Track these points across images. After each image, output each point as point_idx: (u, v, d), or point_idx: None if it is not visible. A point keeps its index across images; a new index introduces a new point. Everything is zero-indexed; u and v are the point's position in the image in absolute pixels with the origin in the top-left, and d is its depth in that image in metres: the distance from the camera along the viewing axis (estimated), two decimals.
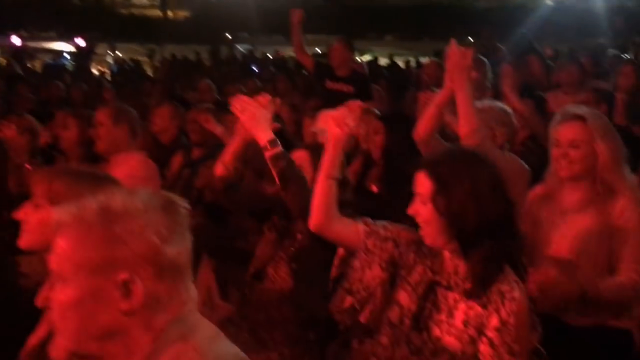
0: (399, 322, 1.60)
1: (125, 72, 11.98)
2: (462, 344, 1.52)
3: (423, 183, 1.56)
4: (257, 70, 11.21)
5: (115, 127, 2.97)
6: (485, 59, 5.37)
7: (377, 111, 3.79)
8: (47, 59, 13.46)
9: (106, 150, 3.01)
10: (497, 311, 1.49)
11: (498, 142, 2.67)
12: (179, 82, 8.67)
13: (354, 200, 2.10)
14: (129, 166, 2.88)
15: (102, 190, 1.45)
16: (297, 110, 5.54)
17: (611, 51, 6.95)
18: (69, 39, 13.56)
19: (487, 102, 2.73)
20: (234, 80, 9.31)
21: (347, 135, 1.73)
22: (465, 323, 1.52)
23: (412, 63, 12.52)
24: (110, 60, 15.05)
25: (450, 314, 1.55)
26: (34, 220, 1.52)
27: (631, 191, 2.06)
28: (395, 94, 7.04)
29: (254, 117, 1.89)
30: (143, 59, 15.06)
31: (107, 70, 13.69)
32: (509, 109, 2.71)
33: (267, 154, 1.88)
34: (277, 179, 1.87)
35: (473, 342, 1.51)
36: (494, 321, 1.49)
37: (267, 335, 1.96)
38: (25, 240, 1.53)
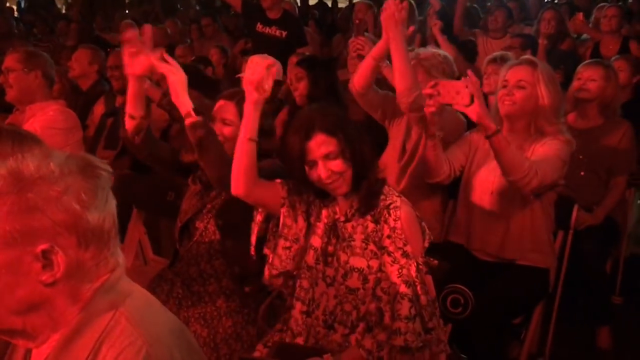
0: (315, 262, 1.74)
1: (35, 7, 11.02)
2: (366, 259, 1.68)
3: (328, 143, 1.66)
4: (180, 8, 10.64)
5: (26, 73, 2.74)
6: (411, 1, 5.38)
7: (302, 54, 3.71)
8: None
9: (18, 99, 2.79)
10: (386, 222, 1.67)
11: None
12: (97, 20, 8.10)
13: (280, 149, 2.07)
14: (46, 117, 2.69)
15: (25, 150, 1.37)
16: (226, 53, 5.38)
17: None
18: None
19: (429, 50, 2.66)
20: (156, 19, 8.84)
21: (265, 98, 1.73)
22: (365, 240, 1.70)
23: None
24: None
25: (351, 238, 1.71)
26: None
27: (559, 135, 2.18)
28: (324, 37, 6.95)
29: (180, 82, 1.82)
30: None
31: (13, 6, 12.54)
32: (450, 57, 2.67)
33: (187, 121, 1.83)
34: (195, 147, 1.83)
35: (375, 255, 1.68)
36: (385, 231, 1.67)
37: (201, 288, 1.95)
38: None
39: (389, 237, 1.66)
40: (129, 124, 1.94)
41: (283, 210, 1.76)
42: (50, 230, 0.92)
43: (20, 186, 0.92)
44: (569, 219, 2.44)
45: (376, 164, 1.77)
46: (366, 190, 1.69)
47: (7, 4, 11.83)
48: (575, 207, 2.42)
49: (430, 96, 2.03)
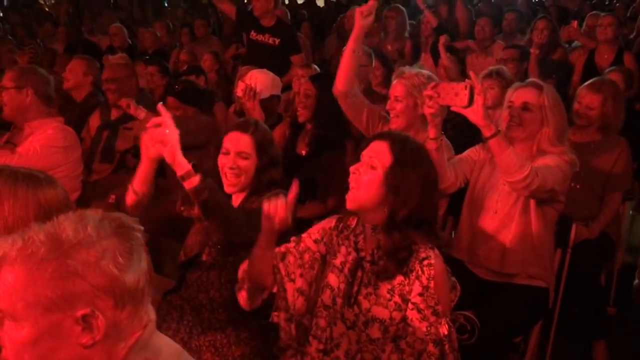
0: (332, 302, 1.69)
1: (18, 7, 10.82)
2: (389, 311, 1.62)
3: (383, 153, 1.63)
4: (168, 8, 10.55)
5: (18, 91, 2.71)
6: (402, 7, 5.40)
7: (311, 69, 3.71)
8: None
9: (12, 116, 2.77)
10: (418, 278, 1.59)
11: (419, 112, 2.52)
12: (85, 22, 7.98)
13: (283, 164, 2.10)
14: (46, 135, 2.68)
15: (40, 191, 1.37)
16: (219, 59, 5.35)
17: None
18: None
19: (415, 70, 2.63)
20: (145, 22, 8.75)
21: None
22: (390, 292, 1.62)
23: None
24: None
25: (376, 286, 1.64)
26: None
27: (562, 155, 2.21)
28: (316, 40, 6.94)
29: (167, 141, 1.68)
30: None
31: None
32: (434, 76, 2.63)
33: (187, 185, 1.71)
34: (199, 209, 1.78)
35: (399, 308, 1.61)
36: (417, 288, 1.59)
37: (211, 315, 1.96)
38: None
39: (420, 294, 1.59)
40: (131, 198, 1.86)
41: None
42: (89, 294, 0.93)
43: (60, 252, 0.93)
44: (566, 237, 2.50)
45: (424, 215, 1.64)
46: (394, 243, 1.60)
47: None
48: (574, 226, 2.48)
49: (430, 97, 2.05)
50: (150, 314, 1.05)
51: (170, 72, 4.78)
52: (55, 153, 2.68)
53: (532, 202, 2.23)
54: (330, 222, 1.78)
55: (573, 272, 2.54)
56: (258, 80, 3.20)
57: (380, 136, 1.70)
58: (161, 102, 1.83)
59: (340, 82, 2.47)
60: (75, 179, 2.82)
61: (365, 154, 1.67)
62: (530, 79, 2.47)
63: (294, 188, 1.66)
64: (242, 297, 1.80)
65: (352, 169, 1.67)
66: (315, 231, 1.78)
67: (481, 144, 2.39)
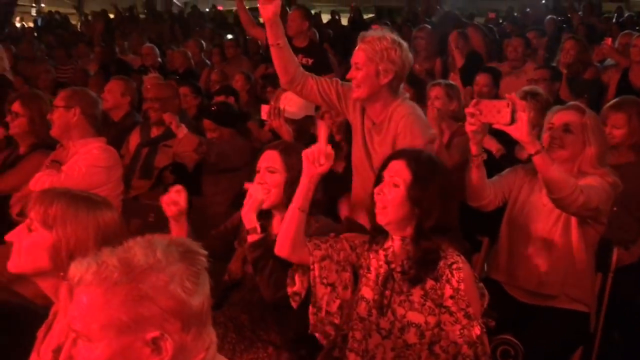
0: (367, 314, 1.77)
1: (52, 27, 11.19)
2: (424, 315, 1.72)
3: (402, 171, 1.76)
4: (197, 27, 10.77)
5: (67, 111, 2.81)
6: (430, 28, 5.42)
7: None
8: None
9: (59, 135, 2.87)
10: (448, 282, 1.70)
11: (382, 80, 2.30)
12: (118, 43, 8.20)
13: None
14: (90, 155, 2.76)
15: (99, 214, 1.43)
16: (250, 79, 5.44)
17: (551, 17, 7.15)
18: None
19: (377, 32, 2.34)
20: (175, 41, 8.95)
21: (321, 173, 1.80)
22: (423, 296, 1.73)
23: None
24: (34, 12, 13.96)
25: (409, 293, 1.74)
26: (25, 244, 1.45)
27: (605, 177, 2.21)
28: (340, 57, 7.02)
29: (257, 202, 1.93)
30: (69, 11, 14.09)
31: (31, 24, 12.73)
32: (401, 43, 2.33)
33: (250, 237, 1.93)
34: (250, 263, 1.95)
35: (433, 312, 1.71)
36: (448, 291, 1.70)
37: (253, 335, 1.99)
38: (14, 264, 1.47)
39: (452, 297, 1.69)
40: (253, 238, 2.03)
41: (324, 264, 1.81)
42: (159, 317, 0.97)
43: (132, 276, 0.97)
44: (607, 260, 2.47)
45: (445, 226, 1.77)
46: (424, 250, 1.73)
47: (25, 24, 12.04)
48: (615, 249, 2.45)
49: (472, 115, 2.06)
50: (212, 335, 1.08)
51: (202, 92, 4.90)
52: (98, 173, 2.76)
53: (573, 223, 2.22)
54: (364, 237, 1.89)
55: (615, 296, 2.51)
56: (291, 101, 3.26)
57: (396, 155, 1.84)
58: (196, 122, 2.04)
59: (281, 75, 2.46)
60: (116, 197, 2.89)
61: (386, 174, 1.80)
62: (572, 102, 2.47)
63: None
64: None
65: (376, 190, 1.79)
66: (351, 238, 1.89)
67: (521, 164, 2.39)
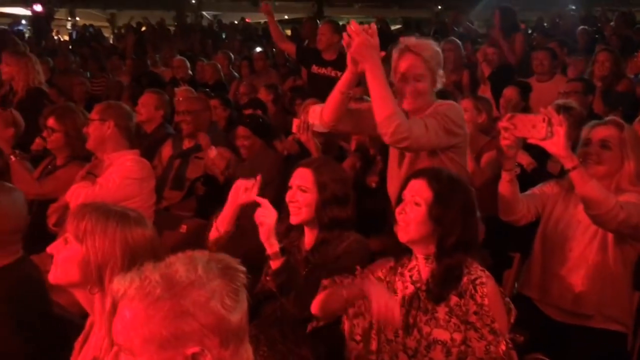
0: (394, 335, 1.78)
1: (86, 40, 11.49)
2: (449, 332, 1.71)
3: (423, 190, 1.78)
4: (225, 40, 10.94)
5: (101, 123, 2.88)
6: (458, 41, 5.41)
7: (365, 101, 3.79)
8: (3, 24, 12.80)
9: (94, 147, 2.94)
10: (472, 297, 1.70)
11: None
12: (150, 56, 8.38)
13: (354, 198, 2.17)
14: (124, 167, 2.82)
15: (128, 230, 1.47)
16: (276, 91, 5.50)
17: (583, 28, 7.03)
18: (26, 3, 12.86)
19: (420, 40, 2.31)
20: (204, 53, 9.10)
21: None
22: (448, 313, 1.73)
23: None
24: (69, 26, 14.37)
25: (434, 310, 1.74)
26: (61, 256, 1.50)
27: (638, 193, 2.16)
28: None
29: (264, 223, 1.89)
30: (102, 24, 14.47)
31: (66, 38, 13.11)
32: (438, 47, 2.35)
33: (273, 263, 1.92)
34: (275, 287, 1.94)
35: (458, 329, 1.70)
36: (472, 307, 1.70)
37: (284, 348, 2.00)
38: (52, 275, 1.52)
39: (476, 313, 1.69)
40: (213, 234, 2.07)
41: None
42: (199, 333, 0.99)
43: (174, 292, 0.99)
44: None
45: (468, 242, 1.78)
46: (446, 267, 1.73)
47: (61, 37, 12.40)
48: None
49: (506, 129, 2.04)
50: (249, 351, 1.09)
51: (232, 104, 4.97)
52: (131, 184, 2.81)
53: (610, 240, 2.17)
54: (390, 262, 1.90)
55: None
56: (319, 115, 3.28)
57: (416, 175, 1.85)
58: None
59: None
60: (149, 208, 2.94)
61: (407, 193, 1.81)
62: (610, 117, 2.42)
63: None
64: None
65: (398, 209, 1.81)
66: (378, 270, 1.89)
67: (554, 179, 2.36)
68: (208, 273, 1.02)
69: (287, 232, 2.17)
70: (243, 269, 1.08)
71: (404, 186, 1.85)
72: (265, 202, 1.92)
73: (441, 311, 1.73)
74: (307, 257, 2.11)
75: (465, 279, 1.73)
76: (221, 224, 2.05)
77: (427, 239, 1.77)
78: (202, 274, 1.01)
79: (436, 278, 1.75)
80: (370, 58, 2.05)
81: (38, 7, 11.99)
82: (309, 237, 2.13)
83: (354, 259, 1.99)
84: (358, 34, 2.05)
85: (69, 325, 1.86)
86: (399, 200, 1.84)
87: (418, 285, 1.79)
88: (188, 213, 3.49)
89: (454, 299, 1.72)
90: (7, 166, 2.91)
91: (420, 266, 1.82)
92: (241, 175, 3.20)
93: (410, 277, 1.82)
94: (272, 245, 1.90)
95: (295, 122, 3.25)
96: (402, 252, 1.87)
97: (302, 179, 2.10)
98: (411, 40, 2.30)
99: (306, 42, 5.75)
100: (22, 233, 1.95)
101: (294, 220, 2.11)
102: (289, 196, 2.11)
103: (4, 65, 4.01)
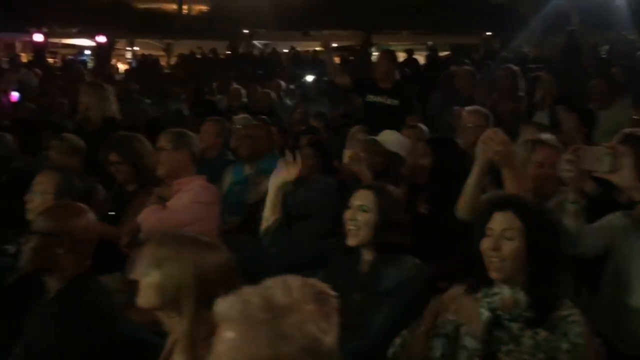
0: None
1: (145, 69, 12.01)
2: None
3: (513, 222, 1.73)
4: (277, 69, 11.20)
5: (175, 152, 3.02)
6: (514, 67, 5.38)
7: (424, 131, 3.83)
8: (69, 54, 13.63)
9: (166, 174, 3.07)
10: (565, 335, 1.63)
11: None
12: (203, 82, 8.68)
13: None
14: (193, 192, 2.93)
15: (199, 255, 1.56)
16: (326, 119, 5.60)
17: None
18: (89, 35, 13.63)
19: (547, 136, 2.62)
20: (257, 81, 9.35)
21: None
22: (535, 347, 1.65)
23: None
24: (129, 55, 15.10)
25: (518, 342, 1.67)
26: (144, 282, 1.60)
27: None
28: (419, 98, 7.07)
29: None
30: (159, 53, 15.10)
31: (127, 67, 13.76)
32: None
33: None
34: None
35: None
36: (564, 345, 1.63)
37: None
38: (140, 300, 1.62)
39: (568, 352, 1.63)
40: (264, 225, 2.25)
41: None
42: (295, 355, 1.04)
43: (273, 315, 1.04)
44: None
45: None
46: (544, 296, 1.69)
47: (121, 66, 13.04)
48: None
49: (570, 162, 2.03)
50: None
51: (287, 130, 5.10)
52: (199, 209, 2.92)
53: None
54: (458, 289, 1.84)
55: None
56: (383, 134, 3.37)
57: (500, 207, 1.78)
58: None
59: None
60: (214, 231, 3.05)
61: (496, 227, 1.74)
62: None
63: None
64: None
65: (488, 246, 1.74)
66: (446, 309, 1.82)
67: (623, 210, 2.31)
68: (304, 297, 1.08)
69: (343, 254, 2.18)
70: (334, 293, 1.13)
71: (484, 219, 1.78)
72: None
73: (526, 344, 1.67)
74: (364, 281, 2.11)
75: (555, 314, 1.68)
76: (269, 212, 2.23)
77: (519, 271, 1.74)
78: (298, 298, 1.07)
79: (528, 306, 1.71)
80: (513, 165, 2.18)
81: (102, 38, 12.66)
82: (366, 261, 2.15)
83: (415, 287, 2.00)
84: (504, 143, 2.16)
85: (147, 346, 1.93)
86: (482, 233, 1.78)
87: (499, 312, 1.73)
88: (248, 237, 3.59)
89: (542, 334, 1.67)
90: (90, 190, 3.01)
91: (505, 295, 1.76)
92: (296, 199, 3.32)
93: (489, 303, 1.76)
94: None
95: (346, 154, 3.34)
96: (463, 278, 1.86)
97: (363, 199, 2.14)
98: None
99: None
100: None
101: (351, 241, 2.12)
102: (348, 215, 2.14)
103: (82, 95, 4.24)
